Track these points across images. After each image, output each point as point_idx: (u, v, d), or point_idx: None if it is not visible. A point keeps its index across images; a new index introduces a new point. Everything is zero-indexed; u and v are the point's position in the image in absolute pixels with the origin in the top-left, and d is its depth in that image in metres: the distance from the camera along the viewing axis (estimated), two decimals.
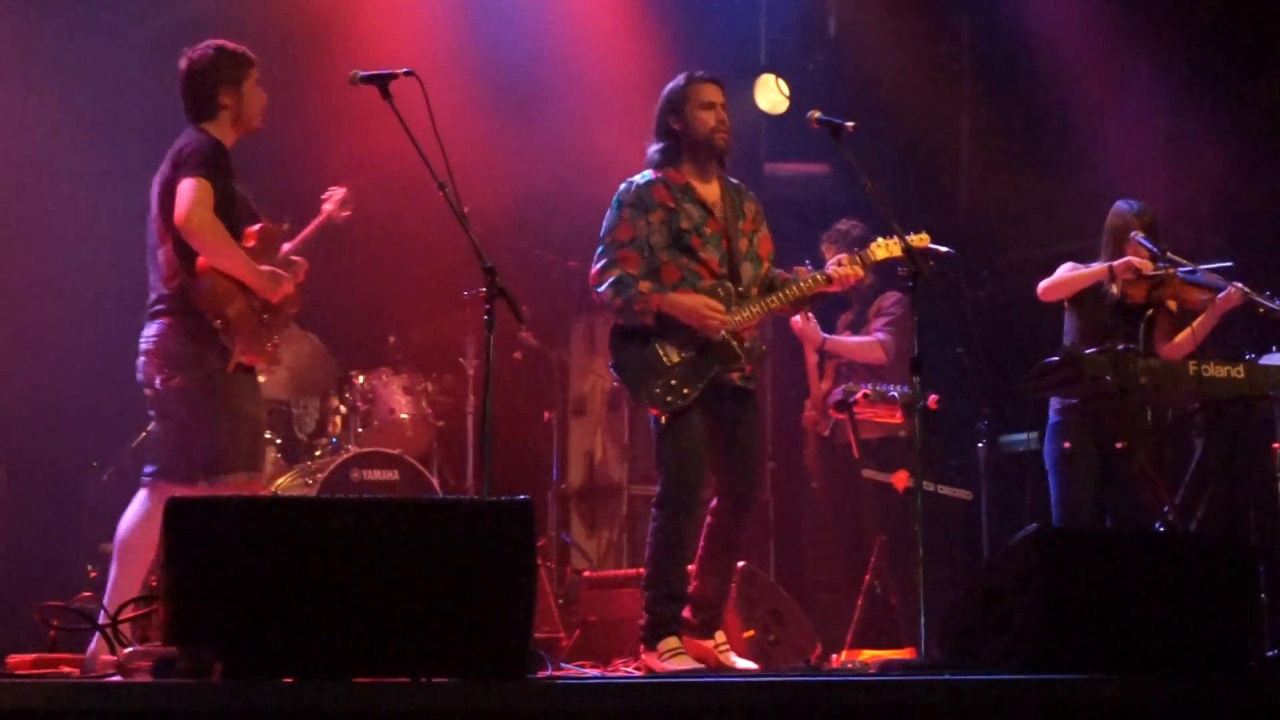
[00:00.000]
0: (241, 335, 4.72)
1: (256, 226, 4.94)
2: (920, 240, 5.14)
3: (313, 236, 5.58)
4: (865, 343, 6.61)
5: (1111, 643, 3.92)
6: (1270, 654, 4.84)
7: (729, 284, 5.00)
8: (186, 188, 4.62)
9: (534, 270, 7.45)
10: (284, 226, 6.87)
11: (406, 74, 4.42)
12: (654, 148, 5.10)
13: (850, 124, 4.90)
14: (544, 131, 7.57)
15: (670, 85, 5.10)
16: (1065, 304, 6.02)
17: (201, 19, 6.44)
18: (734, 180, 5.19)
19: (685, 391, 4.89)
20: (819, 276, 5.09)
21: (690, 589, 5.01)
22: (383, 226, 7.24)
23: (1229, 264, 5.87)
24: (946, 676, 3.83)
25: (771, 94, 8.03)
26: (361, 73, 4.46)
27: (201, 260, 4.68)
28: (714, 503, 5.06)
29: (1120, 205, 6.00)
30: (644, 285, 4.92)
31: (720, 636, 5.06)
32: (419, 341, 7.52)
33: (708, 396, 4.95)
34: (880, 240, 5.14)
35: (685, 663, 4.81)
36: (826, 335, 6.64)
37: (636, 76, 7.13)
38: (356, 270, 7.39)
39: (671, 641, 4.85)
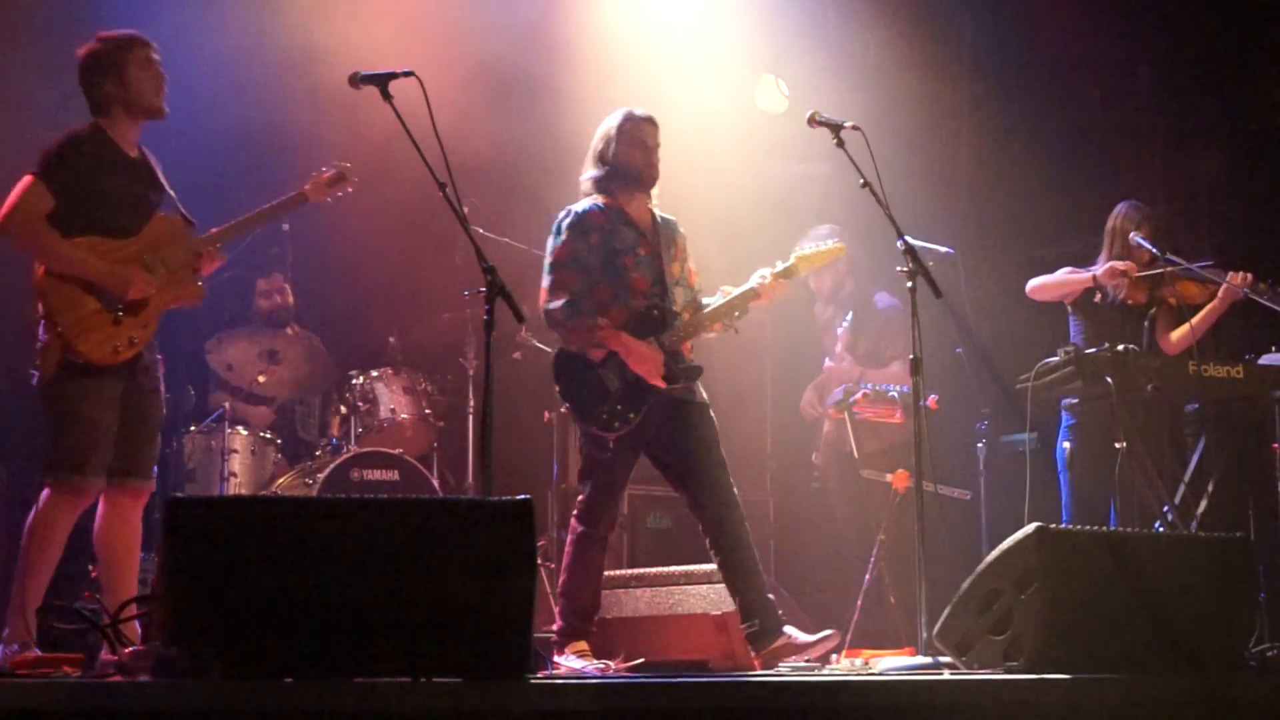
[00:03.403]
0: (74, 335, 4.58)
1: (156, 217, 4.77)
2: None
3: (281, 213, 5.14)
4: (896, 372, 6.60)
5: (1111, 642, 3.92)
6: (1270, 653, 4.85)
7: (660, 303, 5.14)
8: (15, 189, 4.58)
9: (534, 270, 7.43)
10: (284, 227, 6.90)
11: (406, 74, 4.42)
12: (588, 175, 5.28)
13: (850, 124, 4.92)
14: (543, 131, 7.56)
15: (608, 119, 5.29)
16: (1069, 307, 6.04)
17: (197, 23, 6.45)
18: (664, 215, 5.33)
19: (631, 416, 5.07)
20: (746, 291, 5.19)
21: (735, 603, 5.12)
22: (383, 226, 7.24)
23: (1209, 262, 5.91)
24: (946, 676, 3.84)
25: (771, 94, 8.02)
26: (362, 73, 4.46)
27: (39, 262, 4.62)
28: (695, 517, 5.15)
29: (1121, 207, 6.04)
30: (601, 320, 5.06)
31: (790, 629, 5.03)
32: (419, 341, 7.52)
33: (650, 416, 5.08)
34: (803, 253, 5.24)
35: (587, 659, 5.05)
36: (865, 371, 6.64)
37: (637, 77, 7.13)
38: (357, 270, 7.38)
39: (580, 645, 5.12)
